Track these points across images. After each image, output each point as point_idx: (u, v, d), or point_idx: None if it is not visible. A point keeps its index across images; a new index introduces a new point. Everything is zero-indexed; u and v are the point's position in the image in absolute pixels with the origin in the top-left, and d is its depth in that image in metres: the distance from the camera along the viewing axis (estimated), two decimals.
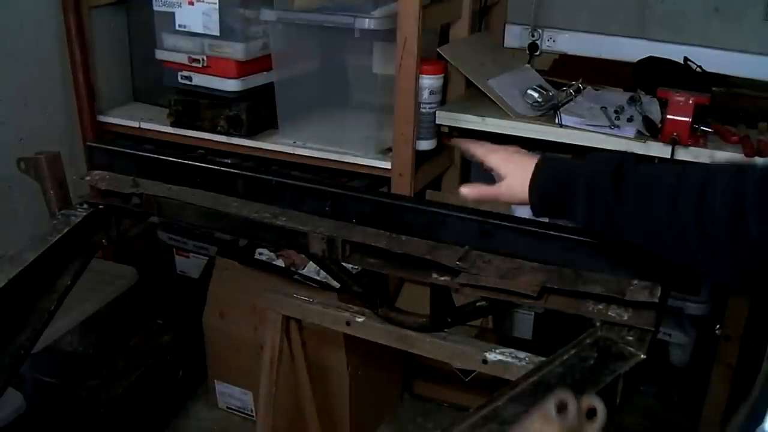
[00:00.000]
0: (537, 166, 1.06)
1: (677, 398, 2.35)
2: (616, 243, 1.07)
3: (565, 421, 0.56)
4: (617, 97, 2.08)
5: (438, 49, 2.10)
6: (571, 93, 2.06)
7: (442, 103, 2.11)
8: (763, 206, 0.82)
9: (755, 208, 0.83)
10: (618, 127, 1.91)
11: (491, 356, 1.32)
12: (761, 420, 0.68)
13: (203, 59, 2.11)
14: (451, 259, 1.15)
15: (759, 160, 1.79)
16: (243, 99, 2.15)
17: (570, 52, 2.46)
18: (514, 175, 1.09)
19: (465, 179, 2.33)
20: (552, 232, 1.16)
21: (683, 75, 2.13)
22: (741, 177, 0.86)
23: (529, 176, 1.06)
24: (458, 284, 1.14)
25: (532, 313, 2.35)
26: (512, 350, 1.33)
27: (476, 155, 1.17)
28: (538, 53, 2.48)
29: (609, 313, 1.04)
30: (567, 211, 1.03)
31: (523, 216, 1.21)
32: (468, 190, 1.16)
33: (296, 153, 2.13)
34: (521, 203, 1.09)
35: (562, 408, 0.56)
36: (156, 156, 1.49)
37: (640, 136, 1.89)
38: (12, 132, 2.10)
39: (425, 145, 2.08)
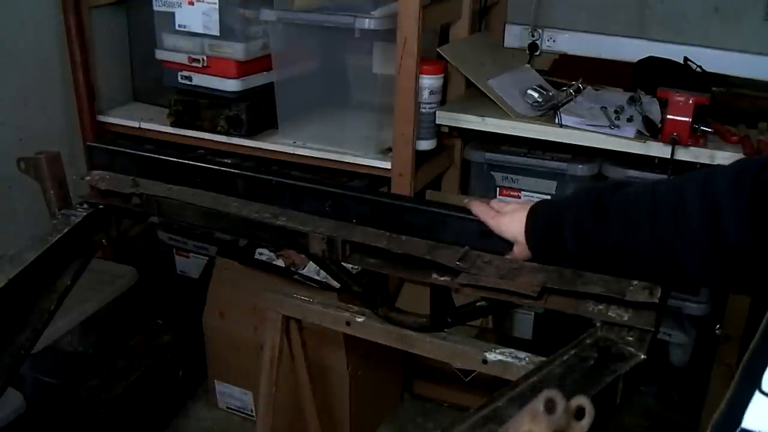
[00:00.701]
0: (528, 218, 1.11)
1: (677, 398, 2.35)
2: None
3: (553, 419, 0.56)
4: (617, 97, 2.08)
5: (438, 49, 2.10)
6: (571, 93, 2.06)
7: (442, 103, 2.11)
8: (736, 210, 0.85)
9: (728, 213, 0.85)
10: (618, 127, 1.91)
11: (491, 356, 1.32)
12: (739, 420, 0.68)
13: (203, 59, 2.11)
14: (451, 259, 1.15)
15: None
16: (243, 99, 2.15)
17: (570, 52, 2.46)
18: (515, 232, 1.12)
19: (465, 179, 2.33)
20: None
21: (683, 75, 2.14)
22: (709, 184, 0.89)
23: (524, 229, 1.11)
24: (458, 284, 1.13)
25: (532, 313, 2.35)
26: (512, 350, 1.32)
27: (480, 218, 1.19)
28: (538, 53, 2.48)
29: (609, 314, 1.04)
30: (561, 251, 1.06)
31: None
32: None
33: (296, 153, 2.13)
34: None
35: (550, 406, 0.57)
36: (156, 156, 1.49)
37: (640, 136, 1.89)
38: (12, 132, 2.10)
39: (425, 145, 2.08)
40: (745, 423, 0.67)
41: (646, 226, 0.94)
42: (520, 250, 1.12)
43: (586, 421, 0.58)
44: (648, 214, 0.94)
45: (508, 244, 1.15)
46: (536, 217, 1.10)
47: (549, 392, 0.57)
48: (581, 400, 0.58)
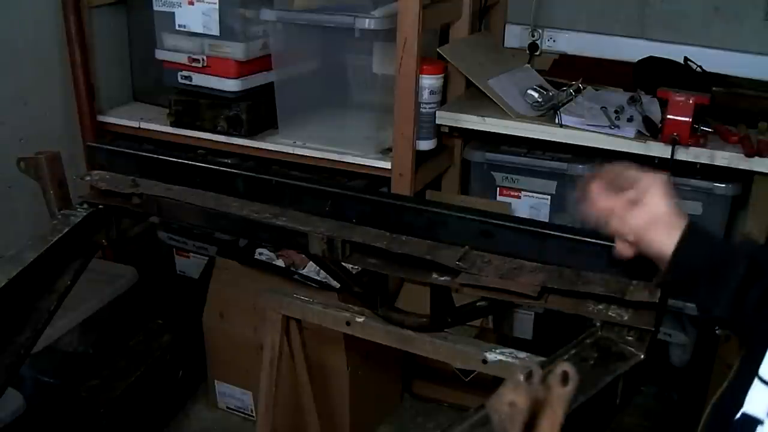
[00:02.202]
0: (684, 236, 0.90)
1: (677, 398, 2.35)
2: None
3: (532, 387, 0.60)
4: (617, 97, 2.08)
5: (438, 49, 2.10)
6: (571, 93, 2.05)
7: (442, 103, 2.11)
8: None
9: None
10: (618, 127, 1.91)
11: (491, 356, 1.32)
12: (740, 403, 0.69)
13: (203, 59, 2.12)
14: (451, 259, 1.15)
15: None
16: (243, 99, 2.15)
17: (570, 52, 2.46)
18: (666, 244, 0.91)
19: (465, 179, 2.33)
20: (552, 232, 1.16)
21: (683, 75, 2.13)
22: None
23: (674, 240, 0.90)
24: (458, 284, 1.14)
25: (532, 313, 2.35)
26: (512, 350, 1.33)
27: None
28: (538, 53, 2.48)
29: (609, 314, 1.04)
30: (709, 296, 0.89)
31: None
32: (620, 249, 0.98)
33: (296, 153, 2.13)
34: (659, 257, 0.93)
35: (529, 376, 0.60)
36: (156, 156, 1.49)
37: (640, 136, 1.89)
38: (12, 132, 2.10)
39: (425, 145, 2.08)
40: (747, 407, 0.68)
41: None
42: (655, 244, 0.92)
43: (570, 386, 0.61)
44: None
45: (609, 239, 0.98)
46: (698, 238, 0.91)
47: (528, 364, 0.61)
48: (565, 366, 0.60)
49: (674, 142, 1.81)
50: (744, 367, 0.72)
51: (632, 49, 2.29)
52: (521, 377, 0.60)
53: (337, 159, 2.09)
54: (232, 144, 2.19)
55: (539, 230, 1.17)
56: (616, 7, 2.39)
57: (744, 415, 0.69)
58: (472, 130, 2.08)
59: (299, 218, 1.30)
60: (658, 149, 1.84)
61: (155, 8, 2.14)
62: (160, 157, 1.49)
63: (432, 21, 2.02)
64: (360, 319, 1.44)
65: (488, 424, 0.77)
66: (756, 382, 0.69)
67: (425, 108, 2.04)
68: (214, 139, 2.20)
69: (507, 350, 1.33)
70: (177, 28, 2.12)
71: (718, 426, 0.72)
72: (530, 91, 2.08)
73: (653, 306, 1.02)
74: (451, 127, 2.15)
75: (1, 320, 1.21)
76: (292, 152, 2.14)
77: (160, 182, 1.42)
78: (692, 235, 0.90)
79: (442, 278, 1.18)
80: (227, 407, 2.32)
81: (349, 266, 1.49)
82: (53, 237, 1.30)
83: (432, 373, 2.31)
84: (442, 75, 2.06)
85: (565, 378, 0.61)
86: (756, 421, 0.68)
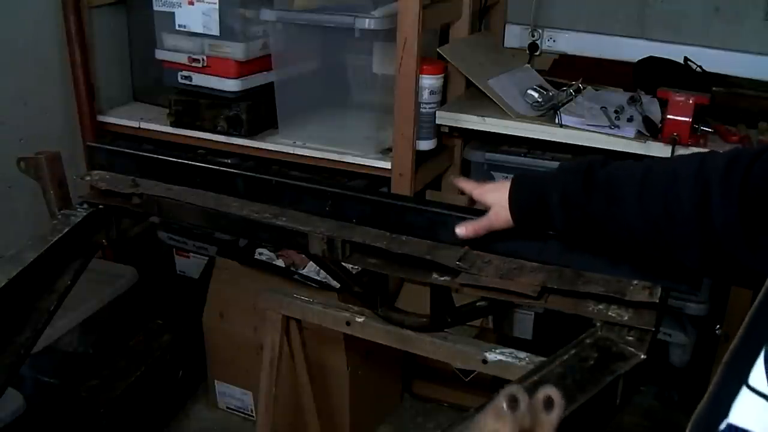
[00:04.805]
0: (512, 184, 1.11)
1: (677, 398, 2.35)
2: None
3: (517, 416, 0.55)
4: (617, 97, 2.08)
5: (438, 49, 2.10)
6: (571, 93, 2.05)
7: (442, 103, 2.11)
8: (725, 197, 0.87)
9: (717, 200, 0.88)
10: (618, 127, 1.91)
11: (491, 356, 1.32)
12: (725, 414, 0.67)
13: (203, 59, 2.12)
14: (451, 259, 1.15)
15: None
16: (243, 99, 2.15)
17: (570, 52, 2.46)
18: (496, 200, 1.13)
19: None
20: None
21: (683, 75, 2.13)
22: (702, 169, 0.91)
23: (507, 196, 1.10)
24: (458, 284, 1.14)
25: (532, 313, 2.35)
26: (512, 350, 1.33)
27: (466, 191, 1.22)
28: (538, 53, 2.49)
29: (609, 314, 1.04)
30: (546, 219, 1.06)
31: None
32: (462, 230, 1.17)
33: (296, 153, 2.13)
34: (509, 225, 1.12)
35: (513, 403, 0.55)
36: (156, 156, 1.49)
37: (640, 136, 1.89)
38: (12, 132, 2.10)
39: (425, 145, 2.08)
40: (732, 418, 0.67)
41: (635, 201, 0.96)
42: (497, 212, 1.13)
43: (556, 413, 0.56)
44: (638, 191, 0.96)
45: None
46: (522, 185, 1.10)
47: (510, 388, 0.55)
48: (548, 390, 0.56)
49: (674, 142, 1.81)
50: (728, 375, 0.71)
51: (632, 49, 2.29)
52: (504, 404, 0.55)
53: (337, 159, 2.09)
54: (232, 144, 2.19)
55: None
56: (616, 7, 2.39)
57: (730, 426, 0.67)
58: (472, 130, 2.08)
59: (299, 218, 1.30)
60: (658, 149, 1.84)
61: (155, 8, 2.14)
62: (160, 157, 1.49)
63: (432, 21, 2.02)
64: (360, 319, 1.45)
65: None
66: (744, 390, 0.67)
67: (425, 108, 2.04)
68: (214, 139, 2.20)
69: (507, 350, 1.33)
70: (177, 28, 2.12)
71: None
72: (530, 91, 2.08)
73: (653, 306, 1.02)
74: (451, 127, 2.15)
75: (1, 320, 1.21)
76: (292, 152, 2.14)
77: (160, 182, 1.42)
78: (519, 178, 1.11)
79: (442, 278, 1.18)
80: (227, 407, 2.32)
81: (349, 266, 1.49)
82: (53, 237, 1.30)
83: (432, 373, 2.31)
84: (442, 75, 2.06)
85: (549, 403, 0.56)
86: None
